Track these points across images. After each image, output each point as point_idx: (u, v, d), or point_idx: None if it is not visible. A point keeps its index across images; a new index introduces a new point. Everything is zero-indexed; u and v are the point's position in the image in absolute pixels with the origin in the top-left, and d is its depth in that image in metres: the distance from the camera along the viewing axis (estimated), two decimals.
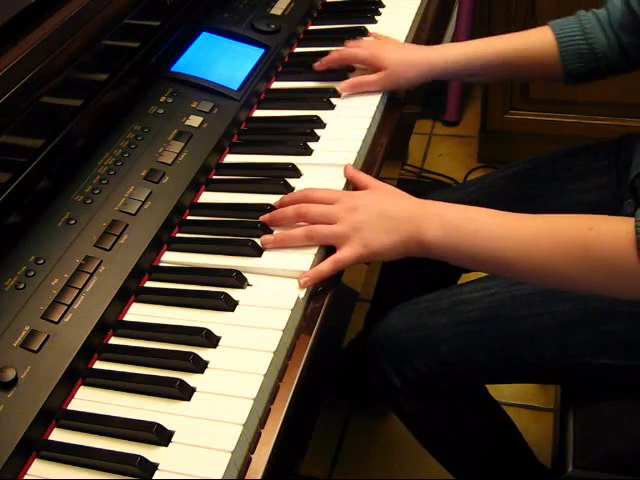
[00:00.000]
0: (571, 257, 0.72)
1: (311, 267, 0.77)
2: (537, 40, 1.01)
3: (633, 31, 0.96)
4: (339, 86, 1.03)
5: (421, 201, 0.82)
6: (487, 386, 1.04)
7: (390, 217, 0.79)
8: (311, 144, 0.94)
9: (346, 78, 1.05)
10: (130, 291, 0.76)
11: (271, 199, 0.86)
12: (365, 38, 1.12)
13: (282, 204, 0.84)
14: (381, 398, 1.47)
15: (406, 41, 1.13)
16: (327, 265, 0.77)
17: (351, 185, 0.88)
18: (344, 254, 0.78)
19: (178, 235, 0.84)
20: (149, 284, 0.79)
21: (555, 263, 0.73)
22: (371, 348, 0.99)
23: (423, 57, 1.02)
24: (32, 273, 0.73)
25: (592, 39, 0.98)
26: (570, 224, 0.74)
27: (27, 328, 0.68)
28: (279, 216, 0.82)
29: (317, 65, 1.06)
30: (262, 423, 0.66)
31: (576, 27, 0.99)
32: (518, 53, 1.02)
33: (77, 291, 0.72)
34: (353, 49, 1.06)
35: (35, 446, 0.64)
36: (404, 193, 0.84)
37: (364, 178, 0.87)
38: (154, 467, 0.61)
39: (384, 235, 0.79)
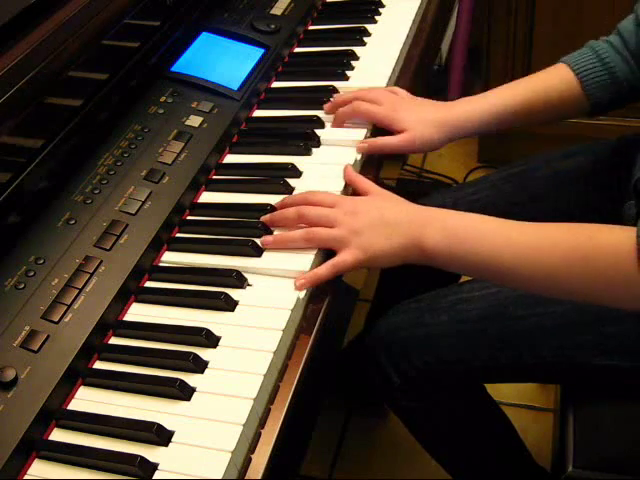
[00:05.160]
0: (571, 267, 0.72)
1: (311, 268, 0.77)
2: (555, 79, 0.98)
3: None
4: (356, 147, 0.92)
5: (422, 207, 0.81)
6: (486, 386, 1.04)
7: (391, 223, 0.79)
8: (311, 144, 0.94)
9: (346, 79, 1.06)
10: (130, 291, 0.76)
11: (271, 199, 0.86)
12: (374, 89, 1.00)
13: (283, 205, 0.84)
14: (380, 396, 1.47)
15: (406, 41, 1.12)
16: (325, 269, 0.77)
17: (350, 189, 0.88)
18: (342, 258, 0.78)
19: (178, 235, 0.84)
20: (149, 284, 0.79)
21: (555, 273, 0.73)
22: (371, 345, 0.99)
23: (442, 118, 0.96)
24: (32, 273, 0.73)
25: (613, 67, 0.95)
26: (570, 233, 0.73)
27: (27, 328, 0.68)
28: (279, 217, 0.82)
29: (327, 107, 0.99)
30: (262, 423, 0.66)
31: (593, 57, 0.96)
32: (540, 97, 0.97)
33: (77, 291, 0.72)
34: (368, 105, 0.96)
35: (35, 446, 0.64)
36: (405, 200, 0.83)
37: (364, 183, 0.86)
38: (154, 467, 0.61)
39: (384, 240, 0.78)
